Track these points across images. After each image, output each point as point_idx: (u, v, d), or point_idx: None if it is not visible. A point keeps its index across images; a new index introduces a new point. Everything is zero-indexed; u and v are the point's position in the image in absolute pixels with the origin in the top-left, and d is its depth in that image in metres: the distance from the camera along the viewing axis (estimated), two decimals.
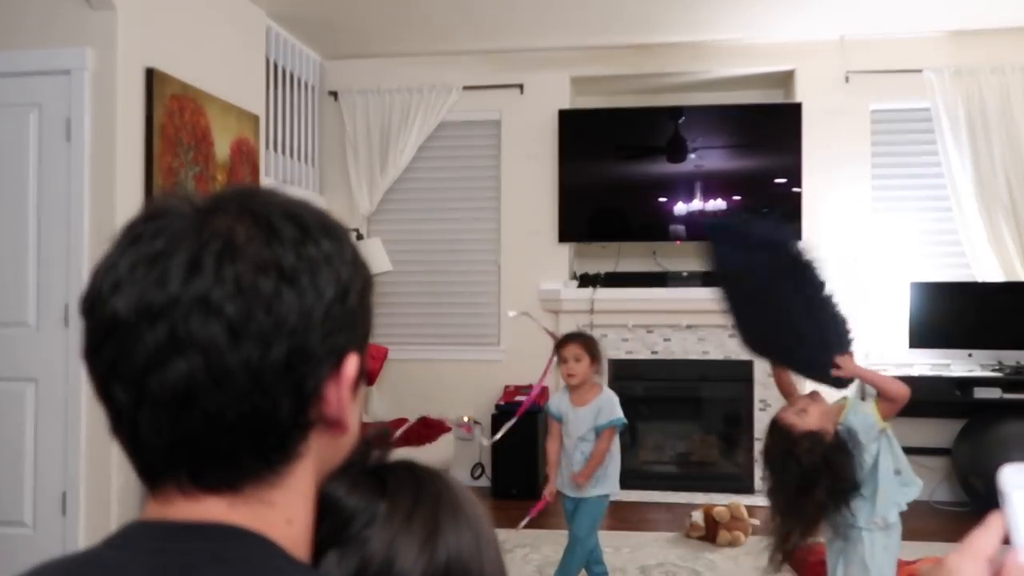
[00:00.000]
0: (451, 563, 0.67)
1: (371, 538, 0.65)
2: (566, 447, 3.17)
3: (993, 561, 0.60)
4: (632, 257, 5.21)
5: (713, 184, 5.02)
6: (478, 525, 0.70)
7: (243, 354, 0.56)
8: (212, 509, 0.59)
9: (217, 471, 0.59)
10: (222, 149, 4.00)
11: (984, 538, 0.61)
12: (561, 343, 3.20)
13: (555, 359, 3.34)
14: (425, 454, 4.34)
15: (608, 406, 3.11)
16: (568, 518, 3.21)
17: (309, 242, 0.60)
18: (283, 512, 0.61)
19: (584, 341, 3.16)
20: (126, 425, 0.59)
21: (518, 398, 4.92)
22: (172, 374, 0.56)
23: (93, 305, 0.59)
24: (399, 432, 4.60)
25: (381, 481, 0.69)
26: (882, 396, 2.25)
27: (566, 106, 5.17)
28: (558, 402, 3.20)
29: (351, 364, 0.62)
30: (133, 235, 0.59)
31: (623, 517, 4.49)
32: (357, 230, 5.16)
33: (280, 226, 0.59)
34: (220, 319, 0.56)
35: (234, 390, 0.57)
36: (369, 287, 0.65)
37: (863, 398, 2.26)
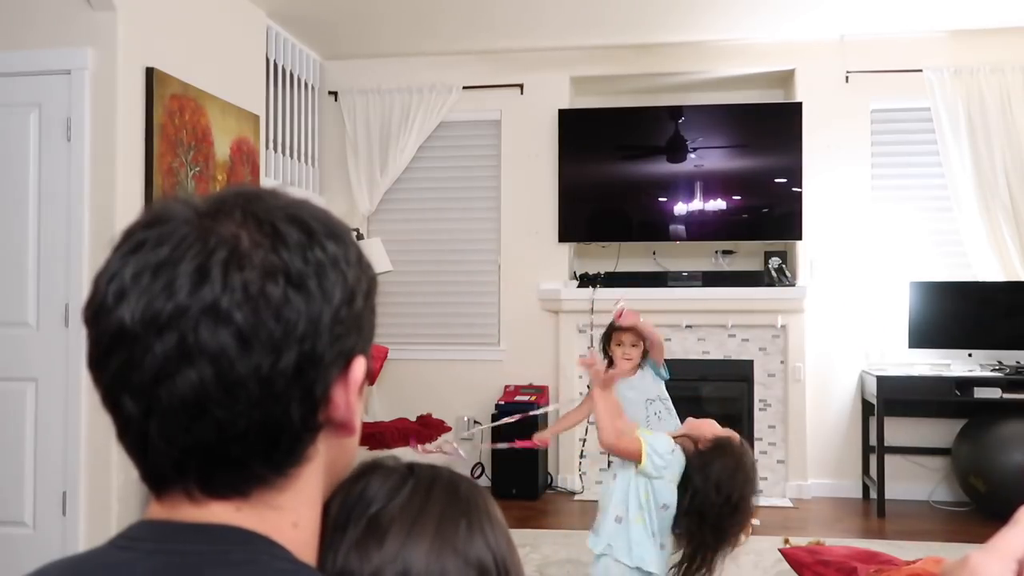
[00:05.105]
0: (494, 554, 0.68)
1: (394, 517, 0.66)
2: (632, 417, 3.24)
3: (1021, 562, 0.57)
4: (632, 257, 5.21)
5: (713, 184, 5.02)
6: (503, 524, 0.71)
7: (253, 362, 0.56)
8: (219, 513, 0.59)
9: (227, 478, 0.59)
10: (222, 149, 4.00)
11: (1013, 537, 0.58)
12: (620, 328, 3.31)
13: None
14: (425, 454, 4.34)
15: (645, 368, 3.33)
16: None
17: (315, 246, 0.60)
18: (290, 515, 0.61)
19: (639, 328, 3.32)
20: (134, 434, 0.59)
21: (518, 397, 4.93)
22: (182, 384, 0.56)
23: (97, 314, 0.58)
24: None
25: (408, 469, 0.71)
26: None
27: (566, 106, 5.17)
28: None
29: (359, 367, 0.62)
30: (135, 242, 0.58)
31: None
32: (357, 230, 5.16)
33: (285, 230, 0.59)
34: (229, 327, 0.55)
35: (245, 398, 0.56)
36: (374, 288, 0.65)
37: None
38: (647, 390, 3.32)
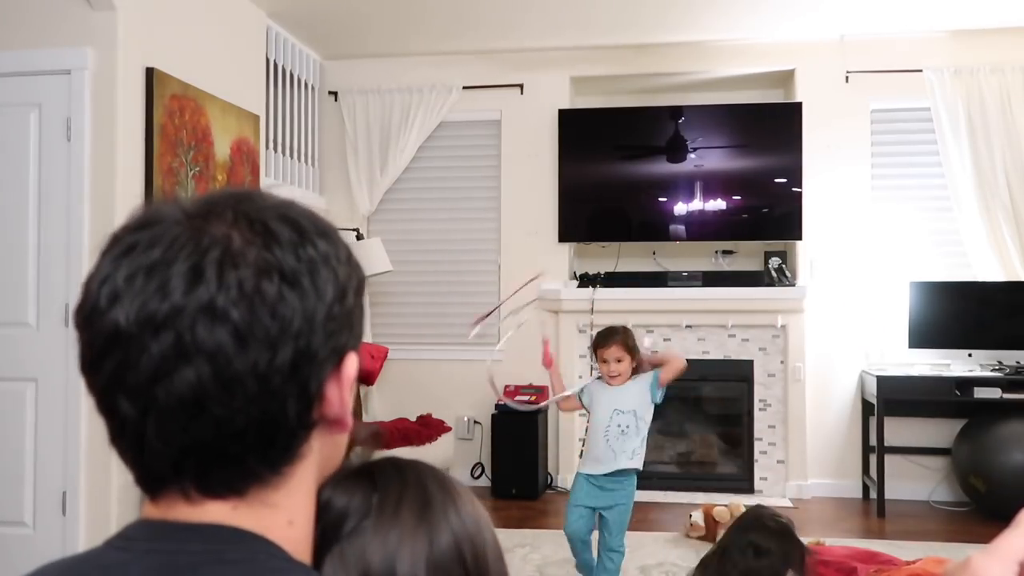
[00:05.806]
0: (459, 541, 0.68)
1: (367, 530, 0.66)
2: (595, 423, 3.17)
3: (1023, 564, 0.57)
4: (632, 257, 5.20)
5: (713, 184, 5.02)
6: (473, 505, 0.72)
7: (250, 359, 0.56)
8: (215, 512, 0.59)
9: (223, 476, 0.59)
10: (222, 149, 4.00)
11: (1014, 539, 0.58)
12: (600, 344, 3.21)
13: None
14: (425, 454, 4.34)
15: (646, 376, 3.20)
16: (585, 505, 3.16)
17: (307, 243, 0.60)
18: (285, 513, 0.61)
19: (622, 339, 3.18)
20: (130, 435, 0.59)
21: (517, 398, 4.93)
22: (180, 382, 0.56)
23: (89, 318, 0.59)
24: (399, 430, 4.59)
25: (370, 477, 0.70)
26: None
27: (566, 106, 5.17)
28: (592, 387, 3.29)
29: (351, 363, 0.63)
30: (126, 245, 0.59)
31: None
32: (357, 230, 5.16)
33: (277, 229, 0.60)
34: (226, 325, 0.56)
35: (243, 395, 0.57)
36: (362, 286, 0.66)
37: None
38: (624, 401, 3.15)
